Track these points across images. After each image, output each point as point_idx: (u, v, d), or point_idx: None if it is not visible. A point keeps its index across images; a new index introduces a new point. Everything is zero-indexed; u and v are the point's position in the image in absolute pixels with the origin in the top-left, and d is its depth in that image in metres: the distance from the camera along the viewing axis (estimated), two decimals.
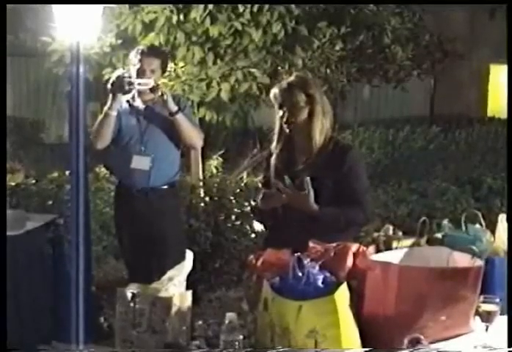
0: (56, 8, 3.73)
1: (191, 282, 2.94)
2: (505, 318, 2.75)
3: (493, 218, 3.30)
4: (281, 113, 3.44)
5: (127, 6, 6.18)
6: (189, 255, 2.90)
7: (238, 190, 6.08)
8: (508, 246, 3.08)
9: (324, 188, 3.38)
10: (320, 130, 3.42)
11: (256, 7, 6.13)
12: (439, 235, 3.18)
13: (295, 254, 2.62)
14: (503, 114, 12.01)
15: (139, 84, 4.45)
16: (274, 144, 3.54)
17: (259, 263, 2.80)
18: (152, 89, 4.47)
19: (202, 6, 6.01)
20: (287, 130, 3.45)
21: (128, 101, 4.60)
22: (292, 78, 3.49)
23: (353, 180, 3.41)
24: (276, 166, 3.53)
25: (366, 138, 11.31)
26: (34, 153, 10.87)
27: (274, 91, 3.48)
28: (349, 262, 2.71)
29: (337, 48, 6.89)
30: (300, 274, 2.57)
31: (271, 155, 3.59)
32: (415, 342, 2.48)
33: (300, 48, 6.54)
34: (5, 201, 3.65)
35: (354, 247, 2.76)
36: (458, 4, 11.76)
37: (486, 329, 2.71)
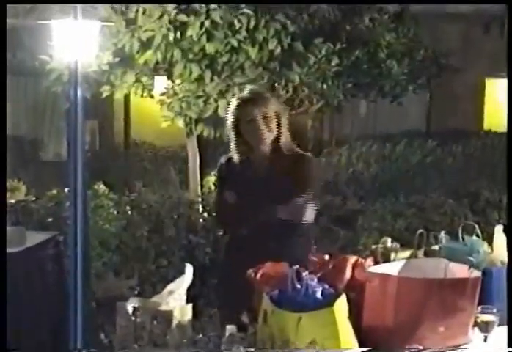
0: (54, 26, 3.76)
1: (190, 297, 2.96)
2: (503, 328, 2.76)
3: (490, 230, 3.32)
4: (255, 124, 3.59)
5: (123, 24, 6.23)
6: (189, 269, 2.92)
7: None
8: (508, 255, 3.10)
9: (285, 190, 3.54)
10: (286, 139, 3.65)
11: (252, 24, 6.19)
12: (436, 247, 3.19)
13: (294, 267, 2.65)
14: (499, 128, 12.01)
15: None
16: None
17: (258, 276, 2.83)
18: None
19: (198, 24, 6.06)
20: (262, 139, 3.60)
21: None
22: (247, 94, 3.66)
23: (304, 179, 3.60)
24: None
25: (363, 152, 11.34)
26: (34, 171, 10.88)
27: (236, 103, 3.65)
28: (348, 274, 2.74)
29: (333, 63, 6.94)
30: (299, 286, 2.58)
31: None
32: None
33: (296, 63, 6.59)
34: (5, 217, 3.66)
35: (352, 259, 2.79)
36: (457, 4, 11.73)
37: (485, 339, 2.72)
